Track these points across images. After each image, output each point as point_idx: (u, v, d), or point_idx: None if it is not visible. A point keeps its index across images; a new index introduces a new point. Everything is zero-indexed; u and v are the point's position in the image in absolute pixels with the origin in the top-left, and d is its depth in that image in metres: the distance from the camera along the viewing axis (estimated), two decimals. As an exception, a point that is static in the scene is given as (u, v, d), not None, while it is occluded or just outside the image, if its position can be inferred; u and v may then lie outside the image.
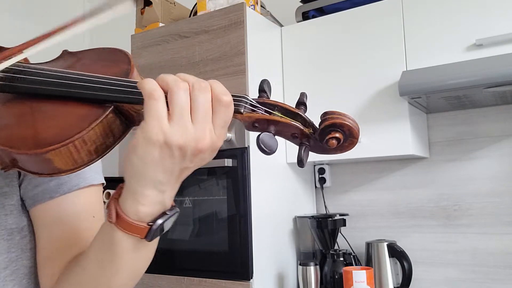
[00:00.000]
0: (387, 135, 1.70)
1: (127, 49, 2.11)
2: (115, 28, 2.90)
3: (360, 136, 0.50)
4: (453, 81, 1.48)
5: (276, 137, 0.50)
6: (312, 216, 1.89)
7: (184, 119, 0.46)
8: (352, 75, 1.80)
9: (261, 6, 2.01)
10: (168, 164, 0.47)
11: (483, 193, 1.82)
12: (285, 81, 1.96)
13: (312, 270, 1.77)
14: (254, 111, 0.50)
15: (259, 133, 0.49)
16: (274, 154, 0.49)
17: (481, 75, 1.44)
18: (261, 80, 0.53)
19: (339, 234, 1.93)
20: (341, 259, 1.80)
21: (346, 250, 1.86)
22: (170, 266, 1.80)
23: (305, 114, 0.51)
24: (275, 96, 1.91)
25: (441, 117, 1.92)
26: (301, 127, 0.50)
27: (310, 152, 0.52)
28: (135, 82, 0.52)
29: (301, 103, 0.52)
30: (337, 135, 0.48)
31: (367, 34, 1.78)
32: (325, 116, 0.50)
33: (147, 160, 0.47)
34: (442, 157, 1.91)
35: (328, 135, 0.49)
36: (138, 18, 2.16)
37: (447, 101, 1.68)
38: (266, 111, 0.50)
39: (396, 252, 1.75)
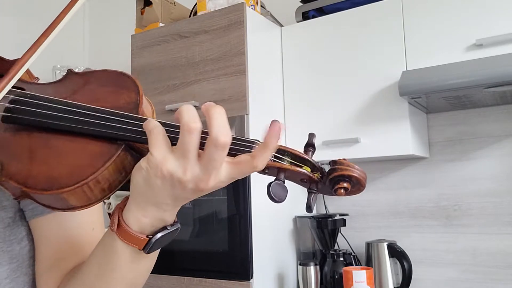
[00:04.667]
0: (387, 135, 1.70)
1: (127, 49, 2.11)
2: (115, 28, 2.91)
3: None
4: (453, 81, 1.48)
5: (285, 184, 0.51)
6: (312, 216, 1.89)
7: (188, 159, 0.46)
8: (352, 75, 1.79)
9: (261, 6, 2.01)
10: (169, 192, 0.48)
11: (483, 193, 1.82)
12: (285, 81, 1.96)
13: (312, 270, 1.77)
14: None
15: (269, 181, 0.51)
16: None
17: (481, 75, 1.44)
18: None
19: (339, 234, 1.93)
20: (341, 259, 1.80)
21: (346, 250, 1.87)
22: (170, 266, 1.80)
23: (313, 158, 0.53)
24: (275, 95, 1.91)
25: (441, 117, 1.92)
26: (310, 174, 0.52)
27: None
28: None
29: (310, 145, 0.54)
30: (345, 184, 0.51)
31: (367, 34, 1.78)
32: (334, 165, 0.52)
33: (151, 185, 0.48)
34: (442, 157, 1.91)
35: (336, 185, 0.51)
36: (138, 18, 2.16)
37: (447, 101, 1.68)
38: (275, 157, 0.52)
39: (396, 252, 1.75)
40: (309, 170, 0.52)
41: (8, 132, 0.54)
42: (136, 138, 0.51)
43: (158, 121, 0.50)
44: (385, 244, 1.77)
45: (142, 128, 0.50)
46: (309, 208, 0.52)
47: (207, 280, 1.71)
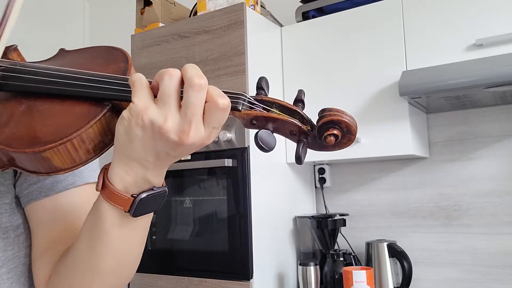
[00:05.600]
0: (387, 135, 1.70)
1: (127, 49, 2.11)
2: (115, 28, 2.90)
3: (358, 133, 0.50)
4: (453, 81, 1.47)
5: (274, 134, 0.50)
6: (312, 216, 1.89)
7: (168, 105, 0.46)
8: (352, 75, 1.79)
9: (261, 6, 2.00)
10: (150, 145, 0.48)
11: (483, 193, 1.82)
12: (285, 81, 1.96)
13: (312, 270, 1.77)
14: (252, 108, 0.50)
15: (257, 130, 0.49)
16: (272, 151, 0.49)
17: (481, 75, 1.44)
18: (259, 77, 0.53)
19: (339, 234, 1.93)
20: (341, 259, 1.80)
21: (346, 250, 1.86)
22: (170, 266, 1.80)
23: (303, 111, 0.51)
24: (275, 95, 1.91)
25: (441, 117, 1.92)
26: (299, 124, 0.50)
27: (309, 151, 0.52)
28: None
29: (299, 100, 0.52)
30: (335, 132, 0.49)
31: (367, 34, 1.78)
32: (322, 113, 0.50)
33: (132, 136, 0.48)
34: (442, 157, 1.91)
35: (326, 132, 0.49)
36: (138, 18, 2.16)
37: (447, 101, 1.68)
38: (264, 109, 0.50)
39: (396, 252, 1.75)
40: (298, 121, 0.50)
41: None
42: (121, 96, 0.51)
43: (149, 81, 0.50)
44: (385, 244, 1.77)
45: (128, 87, 0.50)
46: (298, 158, 0.49)
47: (207, 280, 1.71)
